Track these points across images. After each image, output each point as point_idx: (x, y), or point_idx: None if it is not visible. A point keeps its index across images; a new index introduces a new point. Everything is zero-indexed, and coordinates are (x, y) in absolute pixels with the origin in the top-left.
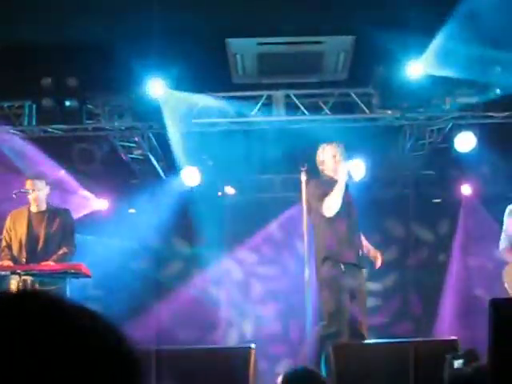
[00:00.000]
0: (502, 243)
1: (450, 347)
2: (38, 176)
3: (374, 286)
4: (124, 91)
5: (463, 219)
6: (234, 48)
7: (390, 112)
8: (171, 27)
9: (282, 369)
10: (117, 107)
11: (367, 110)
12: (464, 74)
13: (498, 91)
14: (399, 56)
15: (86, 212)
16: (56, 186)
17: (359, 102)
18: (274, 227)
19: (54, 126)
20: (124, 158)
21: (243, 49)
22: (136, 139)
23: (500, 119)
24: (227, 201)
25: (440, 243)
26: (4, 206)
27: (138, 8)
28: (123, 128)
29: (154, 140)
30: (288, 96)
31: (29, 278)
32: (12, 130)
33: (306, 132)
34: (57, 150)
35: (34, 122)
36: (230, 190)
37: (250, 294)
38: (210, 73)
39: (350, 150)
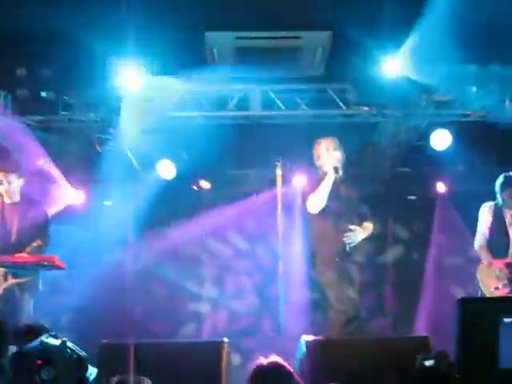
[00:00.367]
0: (477, 241)
1: (422, 344)
2: (11, 168)
3: None
4: (99, 83)
5: (438, 217)
6: (211, 41)
7: (366, 108)
8: (148, 20)
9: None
10: (92, 99)
11: (344, 106)
12: (440, 72)
13: (474, 89)
14: (376, 52)
15: (66, 203)
16: (35, 175)
17: (336, 98)
18: (248, 221)
19: (29, 117)
20: (99, 149)
21: (221, 42)
22: (111, 131)
23: (476, 118)
24: (202, 195)
25: (415, 240)
26: None
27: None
28: (98, 120)
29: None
30: (265, 91)
31: (2, 270)
32: None
33: (282, 127)
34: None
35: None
36: (204, 184)
37: (225, 288)
38: (186, 66)
39: None
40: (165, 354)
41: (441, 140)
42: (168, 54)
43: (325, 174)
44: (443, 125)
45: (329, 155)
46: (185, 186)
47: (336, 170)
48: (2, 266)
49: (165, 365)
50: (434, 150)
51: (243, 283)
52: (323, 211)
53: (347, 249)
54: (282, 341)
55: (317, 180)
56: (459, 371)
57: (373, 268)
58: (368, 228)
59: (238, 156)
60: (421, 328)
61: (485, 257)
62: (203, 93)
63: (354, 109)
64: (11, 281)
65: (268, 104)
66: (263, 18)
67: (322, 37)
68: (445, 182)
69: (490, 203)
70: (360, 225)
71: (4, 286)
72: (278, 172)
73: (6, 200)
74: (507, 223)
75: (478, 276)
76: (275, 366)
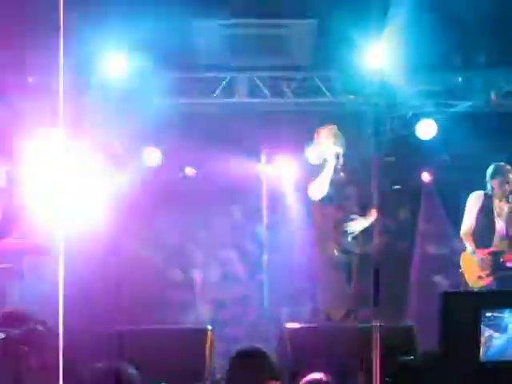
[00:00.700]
0: (463, 228)
1: (407, 333)
2: None
3: None
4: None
5: (423, 206)
6: (198, 29)
7: (352, 97)
8: (133, 8)
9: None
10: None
11: (330, 95)
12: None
13: (459, 80)
14: (362, 41)
15: None
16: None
17: (322, 87)
18: (234, 209)
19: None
20: None
21: (207, 30)
22: None
23: (460, 108)
24: (187, 182)
25: (400, 230)
26: None
27: None
28: None
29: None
30: (251, 78)
31: None
32: None
33: (267, 114)
34: None
35: None
36: (190, 172)
37: (210, 276)
38: (173, 54)
39: (311, 134)
40: (149, 340)
41: (426, 130)
42: (154, 42)
43: (325, 161)
44: (428, 114)
45: (329, 142)
46: (170, 173)
47: (337, 157)
48: None
49: (149, 351)
50: (420, 140)
51: (229, 271)
52: (323, 199)
53: (348, 239)
54: (265, 328)
55: (313, 168)
56: (441, 364)
57: (359, 258)
58: (370, 217)
59: (223, 143)
60: (406, 317)
61: (469, 245)
62: (189, 80)
63: (339, 97)
64: None
65: (254, 91)
66: (249, 6)
67: (309, 25)
68: (430, 172)
69: (480, 192)
70: (363, 214)
71: None
72: (263, 159)
73: None
74: (495, 213)
75: (462, 264)
76: (251, 351)
